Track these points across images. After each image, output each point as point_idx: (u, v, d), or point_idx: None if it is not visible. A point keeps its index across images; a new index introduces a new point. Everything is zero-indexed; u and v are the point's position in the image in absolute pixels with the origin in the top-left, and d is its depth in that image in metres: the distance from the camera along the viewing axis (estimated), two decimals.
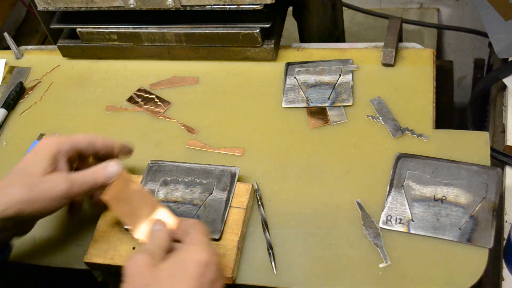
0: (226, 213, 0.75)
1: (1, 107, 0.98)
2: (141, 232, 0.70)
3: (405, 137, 0.82)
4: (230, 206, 0.76)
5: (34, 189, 0.66)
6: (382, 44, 0.92)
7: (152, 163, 0.82)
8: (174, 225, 0.68)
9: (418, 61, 0.91)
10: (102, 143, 0.75)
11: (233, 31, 0.92)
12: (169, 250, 0.64)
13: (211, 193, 0.78)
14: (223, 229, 0.74)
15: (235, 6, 0.88)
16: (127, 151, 0.79)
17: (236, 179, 0.78)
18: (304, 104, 0.89)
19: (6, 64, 1.07)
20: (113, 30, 0.97)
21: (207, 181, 0.79)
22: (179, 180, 0.80)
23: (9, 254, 0.72)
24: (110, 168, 0.72)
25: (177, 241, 0.66)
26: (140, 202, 0.71)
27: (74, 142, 0.73)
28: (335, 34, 1.13)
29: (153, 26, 0.96)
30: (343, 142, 0.84)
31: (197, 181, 0.79)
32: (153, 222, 0.68)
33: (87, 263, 0.76)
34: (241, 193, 0.77)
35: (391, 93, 0.88)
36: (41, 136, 0.94)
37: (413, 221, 0.73)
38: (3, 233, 0.68)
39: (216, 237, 0.73)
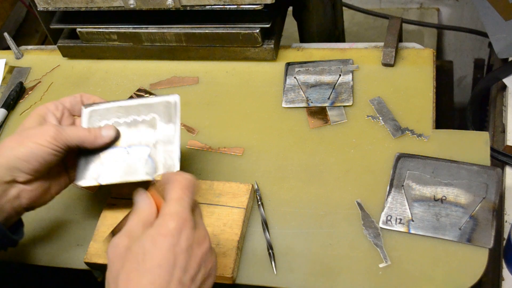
0: (179, 148, 0.72)
1: (1, 107, 0.98)
2: None
3: (405, 137, 0.82)
4: (180, 140, 0.72)
5: (24, 136, 0.68)
6: (382, 44, 0.92)
7: (86, 108, 0.76)
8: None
9: (418, 61, 0.91)
10: (87, 100, 0.77)
11: (233, 31, 0.92)
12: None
13: (156, 128, 0.73)
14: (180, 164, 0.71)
15: (235, 6, 0.87)
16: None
17: (178, 108, 0.73)
18: (304, 104, 0.89)
19: (6, 64, 1.07)
20: (113, 30, 0.97)
21: (150, 118, 0.74)
22: (121, 122, 0.75)
23: (22, 235, 0.71)
24: (106, 131, 0.73)
25: None
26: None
27: (59, 102, 0.75)
28: (335, 34, 1.13)
29: (153, 26, 0.96)
30: (343, 142, 0.84)
31: (140, 119, 0.74)
32: (136, 194, 0.61)
33: (87, 263, 0.76)
34: (241, 193, 0.77)
35: (391, 93, 0.88)
36: None
37: (413, 221, 0.73)
38: (14, 200, 0.68)
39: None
